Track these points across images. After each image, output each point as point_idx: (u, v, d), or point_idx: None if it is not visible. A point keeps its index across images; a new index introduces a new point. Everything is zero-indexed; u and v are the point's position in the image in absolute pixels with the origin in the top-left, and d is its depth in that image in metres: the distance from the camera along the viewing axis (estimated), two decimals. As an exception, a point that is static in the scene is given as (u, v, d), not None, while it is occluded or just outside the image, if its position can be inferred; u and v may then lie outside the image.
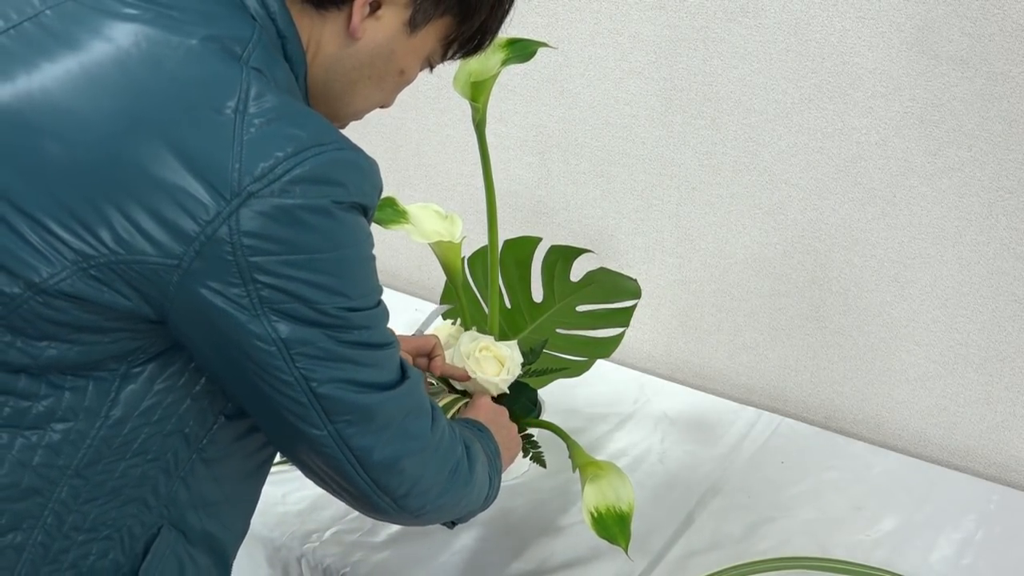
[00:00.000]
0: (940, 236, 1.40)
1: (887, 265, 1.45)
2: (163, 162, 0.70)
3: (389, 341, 0.83)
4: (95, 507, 0.80)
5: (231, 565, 0.94)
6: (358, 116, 0.92)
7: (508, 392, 1.28)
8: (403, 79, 0.90)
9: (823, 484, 1.39)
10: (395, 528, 1.28)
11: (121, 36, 0.73)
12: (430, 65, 0.93)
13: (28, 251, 0.72)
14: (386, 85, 0.89)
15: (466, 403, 1.26)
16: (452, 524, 1.08)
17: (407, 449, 0.85)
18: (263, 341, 0.74)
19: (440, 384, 1.31)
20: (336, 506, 1.32)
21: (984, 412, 1.45)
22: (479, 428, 1.07)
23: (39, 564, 0.79)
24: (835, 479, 1.40)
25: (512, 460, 1.14)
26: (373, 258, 0.80)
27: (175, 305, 0.73)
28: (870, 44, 1.36)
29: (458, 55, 0.93)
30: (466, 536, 1.27)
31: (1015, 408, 1.43)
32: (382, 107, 0.93)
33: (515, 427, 1.18)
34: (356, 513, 1.30)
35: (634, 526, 1.13)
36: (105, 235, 0.70)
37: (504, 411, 1.16)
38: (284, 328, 0.74)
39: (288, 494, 1.32)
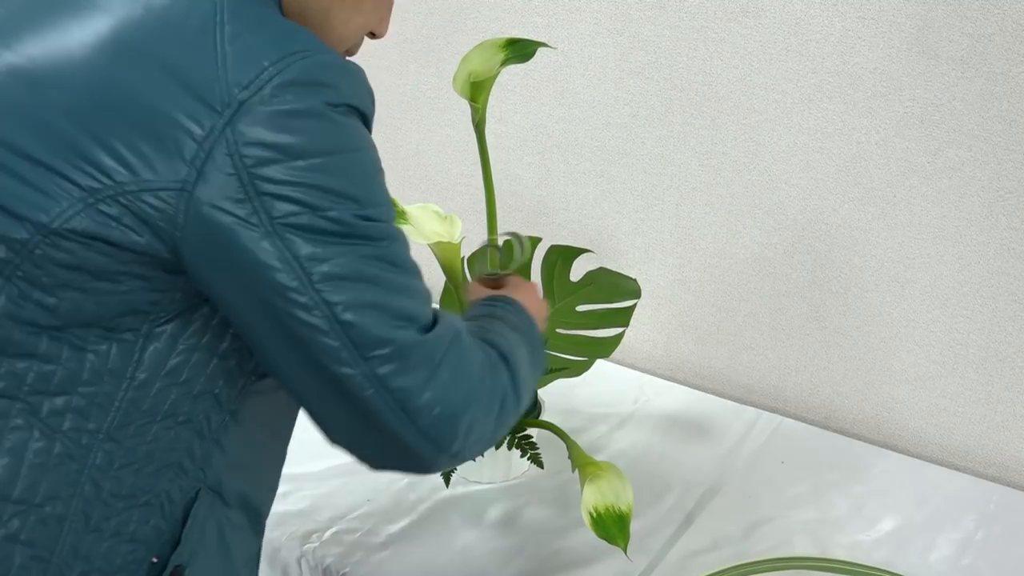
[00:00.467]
0: (940, 236, 1.40)
1: (887, 265, 1.45)
2: (153, 85, 0.69)
3: (415, 270, 0.77)
4: (131, 472, 0.79)
5: (263, 523, 0.93)
6: (346, 45, 0.87)
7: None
8: None
9: (823, 484, 1.39)
10: (395, 528, 1.28)
11: None
12: None
13: (33, 192, 0.71)
14: (365, 6, 0.84)
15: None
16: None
17: (454, 391, 0.77)
18: (277, 260, 0.70)
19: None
20: (336, 506, 1.32)
21: (984, 412, 1.45)
22: (507, 304, 0.96)
23: (82, 534, 0.78)
24: (835, 479, 1.40)
25: (544, 323, 1.03)
26: (382, 171, 0.76)
27: (186, 235, 0.71)
28: (870, 44, 1.36)
29: None
30: (466, 536, 1.28)
31: (1015, 408, 1.43)
32: (374, 36, 0.89)
33: (534, 286, 1.08)
34: (356, 513, 1.31)
35: (634, 526, 1.13)
36: (108, 166, 0.70)
37: (518, 278, 1.08)
38: (297, 242, 0.70)
39: (288, 494, 1.32)
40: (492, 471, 1.36)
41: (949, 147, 1.35)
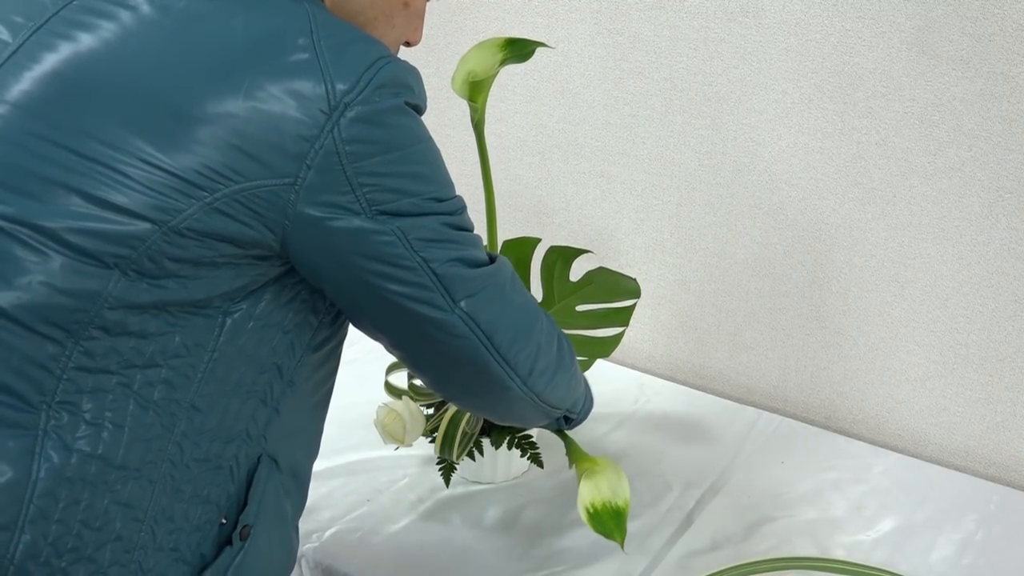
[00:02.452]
0: (940, 236, 1.40)
1: (887, 265, 1.45)
2: (266, 97, 0.77)
3: (472, 227, 0.91)
4: (207, 439, 0.86)
5: (307, 487, 1.00)
6: None
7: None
8: (410, 11, 0.95)
9: (823, 484, 1.39)
10: (395, 528, 1.28)
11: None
12: None
13: (156, 196, 0.77)
14: (397, 21, 0.94)
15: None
16: (567, 421, 1.14)
17: (523, 320, 0.94)
18: (382, 234, 0.82)
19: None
20: (336, 506, 1.32)
21: (984, 412, 1.45)
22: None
23: (169, 495, 0.84)
24: (835, 479, 1.40)
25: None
26: (440, 152, 0.88)
27: (294, 224, 0.80)
28: (870, 44, 1.36)
29: None
30: (466, 536, 1.28)
31: (1015, 408, 1.43)
32: (408, 45, 0.99)
33: None
34: (356, 513, 1.31)
35: (633, 526, 1.13)
36: (228, 169, 0.77)
37: None
38: (396, 221, 0.82)
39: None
40: (492, 471, 1.36)
41: (949, 147, 1.35)
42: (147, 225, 0.77)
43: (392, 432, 1.25)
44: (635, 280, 1.38)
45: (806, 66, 1.42)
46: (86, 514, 0.79)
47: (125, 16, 0.81)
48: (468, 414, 1.24)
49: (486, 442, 1.31)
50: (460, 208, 0.89)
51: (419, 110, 0.86)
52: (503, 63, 1.20)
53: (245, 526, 0.90)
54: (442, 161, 0.88)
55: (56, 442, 0.78)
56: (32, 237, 0.77)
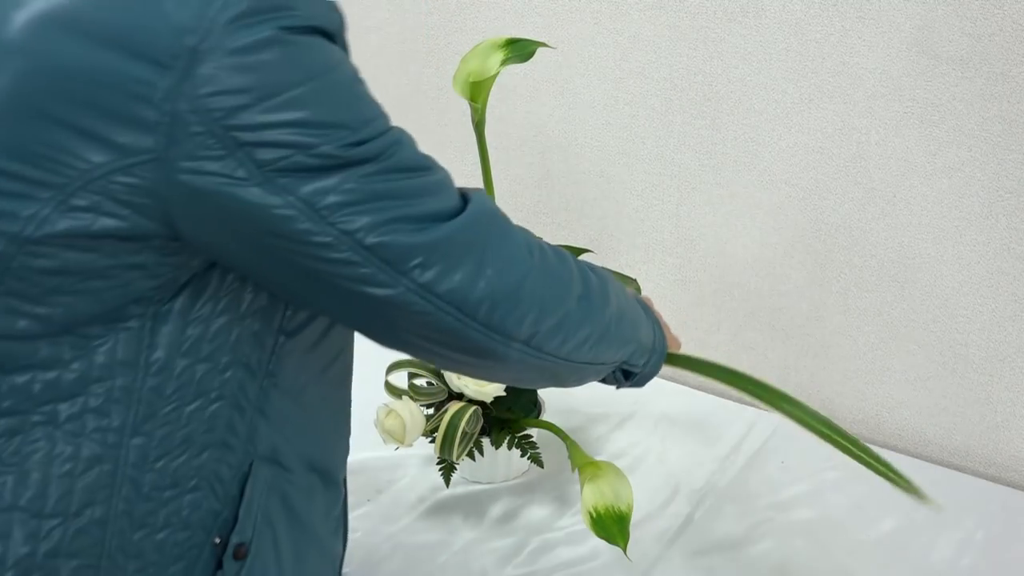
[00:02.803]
0: (940, 236, 1.40)
1: (887, 265, 1.45)
2: (92, 54, 0.62)
3: (427, 165, 0.72)
4: (171, 461, 0.74)
5: (340, 479, 0.88)
6: None
7: (505, 394, 1.28)
8: None
9: (823, 484, 1.39)
10: (396, 528, 1.28)
11: None
12: None
13: None
14: None
15: (463, 406, 1.26)
16: (627, 376, 0.98)
17: (507, 275, 0.75)
18: (280, 208, 0.65)
19: (440, 384, 1.31)
20: (336, 506, 1.32)
21: (984, 412, 1.45)
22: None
23: (128, 533, 0.74)
24: (835, 479, 1.40)
25: (677, 345, 1.06)
26: (362, 83, 0.70)
27: (175, 207, 0.65)
28: (870, 44, 1.36)
29: None
30: (466, 536, 1.27)
31: (1015, 408, 1.43)
32: None
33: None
34: (356, 513, 1.30)
35: (633, 526, 1.13)
36: (67, 156, 0.64)
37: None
38: (296, 186, 0.65)
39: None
40: (492, 471, 1.36)
41: (949, 147, 1.35)
42: None
43: (392, 432, 1.25)
44: (635, 280, 1.38)
45: (806, 66, 1.42)
46: (17, 572, 0.70)
47: None
48: (468, 414, 1.24)
49: (486, 442, 1.31)
50: (391, 146, 0.69)
51: (320, 31, 0.67)
52: (504, 63, 1.20)
53: (240, 545, 0.78)
54: (357, 93, 0.69)
55: None
56: None
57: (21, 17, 0.64)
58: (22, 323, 0.68)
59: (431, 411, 1.32)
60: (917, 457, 1.48)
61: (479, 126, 1.21)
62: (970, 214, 1.37)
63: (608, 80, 1.59)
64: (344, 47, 0.70)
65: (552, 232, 1.72)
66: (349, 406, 0.89)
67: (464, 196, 0.75)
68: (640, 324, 0.95)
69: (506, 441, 1.30)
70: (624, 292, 0.92)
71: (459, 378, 1.26)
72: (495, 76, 1.19)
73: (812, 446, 1.49)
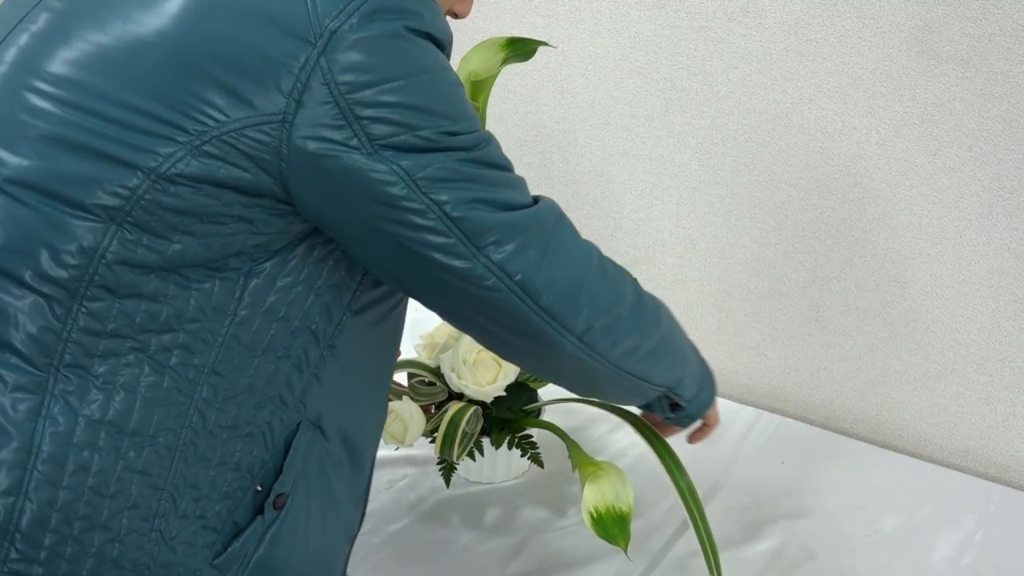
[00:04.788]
0: (940, 236, 1.40)
1: (887, 265, 1.45)
2: (246, 28, 0.72)
3: (509, 166, 0.82)
4: (234, 405, 0.82)
5: (366, 461, 0.95)
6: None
7: (506, 393, 1.28)
8: None
9: (823, 484, 1.39)
10: (395, 528, 1.28)
11: None
12: None
13: (140, 140, 0.74)
14: None
15: (463, 406, 1.26)
16: (673, 409, 1.04)
17: (570, 267, 0.84)
18: (384, 175, 0.75)
19: (440, 384, 1.31)
20: (336, 506, 1.32)
21: (984, 412, 1.45)
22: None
23: (191, 463, 0.81)
24: (835, 479, 1.40)
25: (716, 419, 1.14)
26: (463, 86, 0.81)
27: (291, 166, 0.74)
28: (870, 44, 1.36)
29: None
30: (466, 536, 1.27)
31: (1015, 408, 1.43)
32: (455, 16, 0.93)
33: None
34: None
35: (634, 526, 1.13)
36: (209, 108, 0.73)
37: None
38: (399, 159, 0.75)
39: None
40: (492, 471, 1.36)
41: (949, 147, 1.35)
42: (134, 172, 0.74)
43: (392, 432, 1.25)
44: (635, 280, 1.38)
45: (806, 66, 1.42)
46: (97, 480, 0.77)
47: None
48: (468, 414, 1.24)
49: (486, 442, 1.31)
50: (482, 142, 0.80)
51: (433, 39, 0.78)
52: (504, 63, 1.20)
53: (280, 495, 0.86)
54: (460, 94, 0.80)
55: (63, 406, 0.76)
56: (22, 193, 0.75)
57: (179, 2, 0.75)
58: (140, 252, 0.76)
59: (432, 410, 1.32)
60: (917, 457, 1.48)
61: (479, 126, 1.21)
62: (970, 214, 1.37)
63: (608, 80, 1.59)
64: (448, 57, 0.81)
65: (552, 232, 1.72)
66: (387, 391, 0.96)
67: (536, 198, 0.85)
68: (690, 359, 1.02)
69: (506, 441, 1.30)
70: (680, 330, 1.00)
71: (459, 378, 1.26)
72: (495, 76, 1.19)
73: (812, 446, 1.49)
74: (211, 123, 0.73)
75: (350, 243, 0.81)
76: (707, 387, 1.07)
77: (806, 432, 1.53)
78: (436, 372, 1.32)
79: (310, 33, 0.72)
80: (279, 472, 0.86)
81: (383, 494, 1.35)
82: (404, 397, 1.29)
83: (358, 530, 0.99)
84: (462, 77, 1.19)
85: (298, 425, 0.86)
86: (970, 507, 1.35)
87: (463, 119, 0.78)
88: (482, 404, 1.28)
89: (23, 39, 0.78)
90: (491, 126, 1.71)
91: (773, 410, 1.59)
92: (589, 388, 0.96)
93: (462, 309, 0.84)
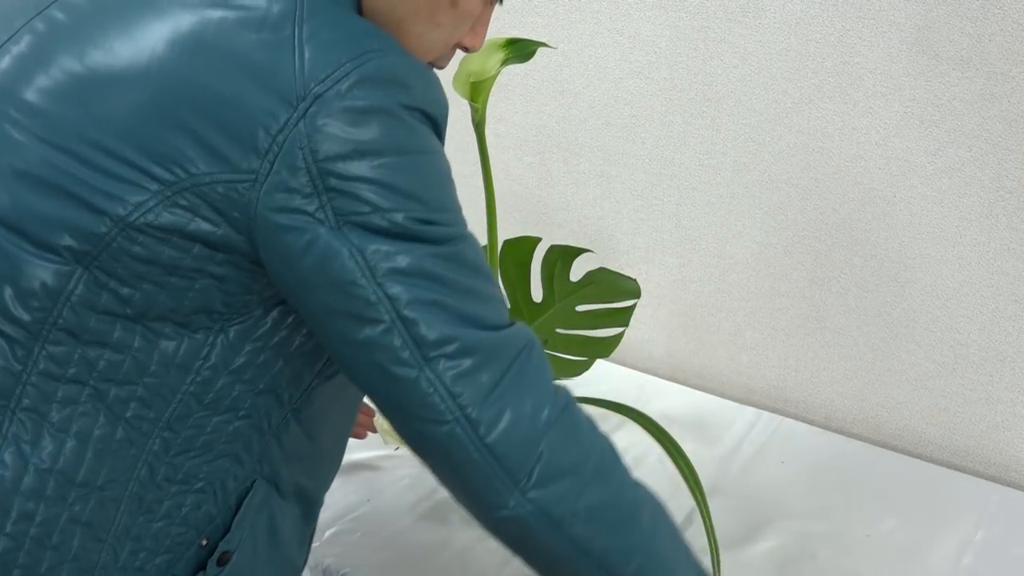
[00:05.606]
0: (940, 236, 1.40)
1: (887, 265, 1.45)
2: (230, 80, 0.69)
3: (485, 273, 0.75)
4: (187, 460, 0.80)
5: (318, 507, 0.94)
6: (424, 59, 0.83)
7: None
8: (460, 11, 0.81)
9: (823, 484, 1.39)
10: (395, 528, 1.28)
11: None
12: None
13: (111, 186, 0.71)
14: (442, 20, 0.80)
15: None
16: None
17: (528, 409, 0.72)
18: (342, 256, 0.70)
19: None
20: (336, 506, 1.32)
21: (984, 412, 1.45)
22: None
23: (135, 515, 0.79)
24: (835, 479, 1.40)
25: None
26: (451, 179, 0.75)
27: (258, 225, 0.71)
28: (870, 44, 1.36)
29: None
30: (466, 536, 1.27)
31: (1015, 408, 1.43)
32: (465, 49, 0.85)
33: None
34: (356, 513, 1.30)
35: (634, 526, 1.13)
36: (184, 159, 0.70)
37: None
38: (362, 241, 0.70)
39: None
40: (492, 471, 1.36)
41: (949, 147, 1.35)
42: (103, 219, 0.71)
43: (392, 432, 1.25)
44: (635, 280, 1.38)
45: (806, 66, 1.42)
46: (39, 531, 0.75)
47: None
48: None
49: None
50: (457, 239, 0.73)
51: (426, 115, 0.73)
52: (504, 63, 1.20)
53: (225, 552, 0.83)
54: (446, 183, 0.75)
55: (14, 452, 0.74)
56: None
57: (167, 30, 0.72)
58: (105, 297, 0.74)
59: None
60: (917, 457, 1.48)
61: (479, 126, 1.21)
62: (970, 214, 1.37)
63: (608, 80, 1.59)
64: (442, 137, 0.76)
65: (552, 232, 1.72)
66: (343, 451, 0.94)
67: (510, 321, 0.76)
68: (648, 524, 0.78)
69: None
70: (673, 537, 0.79)
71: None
72: (495, 76, 1.19)
73: (812, 446, 1.49)
74: (183, 175, 0.70)
75: (307, 318, 0.75)
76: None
77: (806, 432, 1.53)
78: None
79: (293, 94, 0.69)
80: (227, 529, 0.83)
81: (383, 494, 1.35)
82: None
83: (304, 565, 0.96)
84: (462, 77, 1.19)
85: (253, 483, 0.84)
86: (970, 507, 1.35)
87: (441, 210, 0.73)
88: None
89: (5, 62, 0.76)
90: (491, 126, 1.72)
91: (773, 410, 1.59)
92: (536, 566, 0.79)
93: (402, 421, 0.74)
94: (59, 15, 0.76)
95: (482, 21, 0.85)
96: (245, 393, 0.80)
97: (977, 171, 1.34)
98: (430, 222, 0.72)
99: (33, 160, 0.73)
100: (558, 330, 1.37)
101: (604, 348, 1.37)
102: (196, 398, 0.78)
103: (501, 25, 1.66)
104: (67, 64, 0.73)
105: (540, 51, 1.24)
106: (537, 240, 1.37)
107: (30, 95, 0.74)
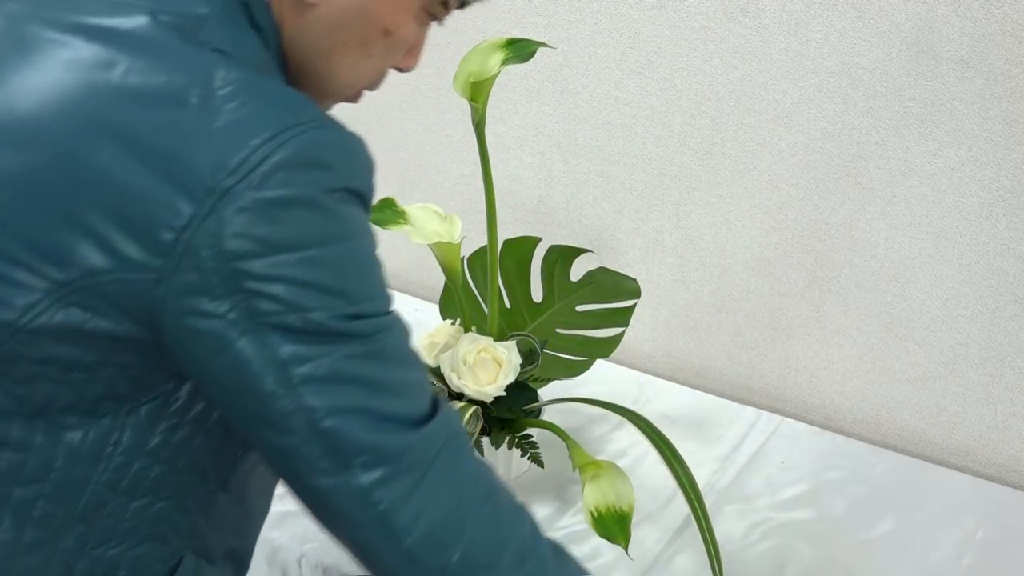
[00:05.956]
0: (940, 236, 1.40)
1: (887, 265, 1.45)
2: (126, 166, 0.62)
3: (410, 360, 0.70)
4: (108, 550, 0.75)
5: (249, 563, 0.89)
6: (352, 90, 0.80)
7: (506, 393, 1.28)
8: (394, 40, 0.76)
9: (823, 484, 1.39)
10: (395, 528, 1.28)
11: (68, 34, 0.67)
12: (433, 17, 0.79)
13: None
14: (374, 50, 0.76)
15: (463, 406, 1.26)
16: None
17: (447, 507, 0.69)
18: (256, 361, 0.64)
19: (440, 384, 1.31)
20: (336, 506, 1.32)
21: (984, 412, 1.45)
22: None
23: None
24: (835, 479, 1.40)
25: None
26: (377, 260, 0.69)
27: (164, 321, 0.65)
28: (870, 44, 1.36)
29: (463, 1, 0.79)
30: (466, 536, 1.27)
31: (1015, 408, 1.43)
32: (401, 70, 0.81)
33: None
34: (356, 513, 1.30)
35: (634, 526, 1.13)
36: (77, 255, 0.63)
37: None
38: (278, 342, 0.64)
39: (288, 494, 1.32)
40: (492, 471, 1.36)
41: (949, 147, 1.35)
42: None
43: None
44: (635, 280, 1.38)
45: (806, 66, 1.42)
46: None
47: None
48: (468, 414, 1.24)
49: (486, 442, 1.31)
50: (381, 331, 0.67)
51: (354, 193, 0.67)
52: (504, 63, 1.20)
53: None
54: (368, 268, 0.68)
55: None
56: None
57: (50, 92, 0.64)
58: (1, 399, 0.68)
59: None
60: (917, 457, 1.48)
61: (479, 126, 1.21)
62: (970, 214, 1.37)
63: (608, 80, 1.59)
64: (368, 208, 0.70)
65: (552, 232, 1.72)
66: (273, 492, 0.88)
67: (435, 404, 0.71)
68: None
69: (506, 441, 1.30)
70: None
71: (459, 378, 1.26)
72: (495, 76, 1.19)
73: (812, 446, 1.49)
74: (78, 272, 0.64)
75: (221, 410, 0.70)
76: None
77: (806, 432, 1.53)
78: (436, 372, 1.32)
79: (200, 188, 0.61)
80: None
81: (383, 494, 1.35)
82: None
83: None
84: (462, 77, 1.19)
85: (181, 559, 0.79)
86: (970, 507, 1.35)
87: (365, 299, 0.67)
88: (482, 404, 1.28)
89: None
90: (491, 126, 1.72)
91: (773, 410, 1.59)
92: None
93: (318, 518, 0.71)
94: None
95: (419, 43, 0.80)
96: (165, 473, 0.74)
97: (977, 171, 1.34)
98: (353, 316, 0.66)
99: None
100: (558, 330, 1.37)
101: (604, 348, 1.37)
102: (110, 486, 0.72)
103: (501, 25, 1.66)
104: None
105: (540, 51, 1.24)
106: (537, 240, 1.37)
107: None
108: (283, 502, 1.31)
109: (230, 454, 0.77)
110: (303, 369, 0.64)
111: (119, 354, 0.67)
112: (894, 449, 1.50)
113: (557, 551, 0.77)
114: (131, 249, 0.63)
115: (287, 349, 0.64)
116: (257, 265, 0.63)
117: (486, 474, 0.73)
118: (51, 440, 0.70)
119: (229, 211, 0.61)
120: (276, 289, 0.63)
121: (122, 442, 0.71)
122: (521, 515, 0.74)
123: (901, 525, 1.31)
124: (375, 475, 0.66)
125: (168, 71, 0.64)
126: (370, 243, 0.69)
